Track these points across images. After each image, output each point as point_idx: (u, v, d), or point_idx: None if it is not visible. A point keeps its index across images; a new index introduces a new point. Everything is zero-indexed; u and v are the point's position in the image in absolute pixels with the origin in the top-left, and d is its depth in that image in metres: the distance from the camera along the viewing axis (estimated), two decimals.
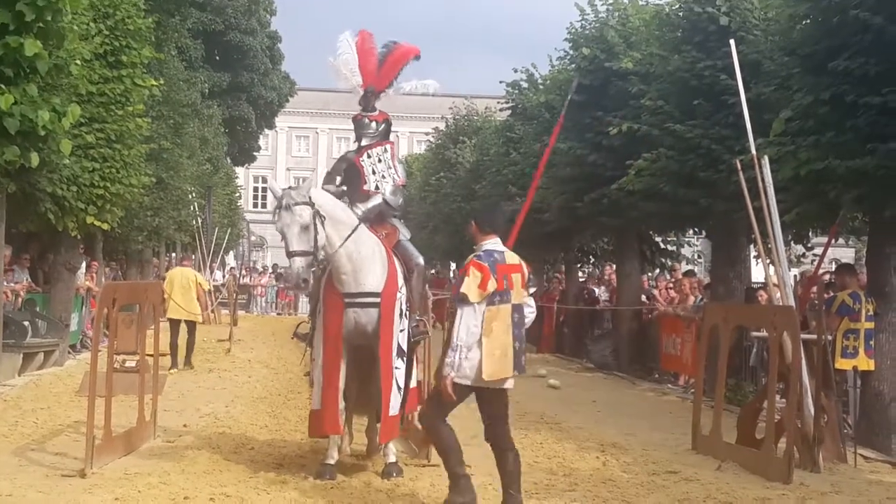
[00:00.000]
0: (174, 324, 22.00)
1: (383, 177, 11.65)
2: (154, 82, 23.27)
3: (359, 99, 12.15)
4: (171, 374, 19.43)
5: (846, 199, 14.21)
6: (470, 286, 8.76)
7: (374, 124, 11.94)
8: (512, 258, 9.15)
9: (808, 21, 15.24)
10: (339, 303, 10.69)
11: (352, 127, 11.99)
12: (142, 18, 22.18)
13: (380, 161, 11.70)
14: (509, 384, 9.04)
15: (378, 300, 10.68)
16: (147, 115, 23.47)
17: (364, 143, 11.85)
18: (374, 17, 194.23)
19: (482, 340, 8.77)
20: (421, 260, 11.68)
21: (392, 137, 11.72)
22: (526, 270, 9.23)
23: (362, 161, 11.69)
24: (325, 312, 10.83)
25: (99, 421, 10.71)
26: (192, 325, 22.50)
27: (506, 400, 9.18)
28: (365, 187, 11.55)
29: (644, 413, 17.25)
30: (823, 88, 14.16)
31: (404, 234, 11.83)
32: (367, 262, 10.74)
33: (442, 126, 49.04)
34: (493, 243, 9.11)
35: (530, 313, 9.38)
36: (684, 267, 28.40)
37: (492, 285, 8.79)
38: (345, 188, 11.66)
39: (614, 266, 28.76)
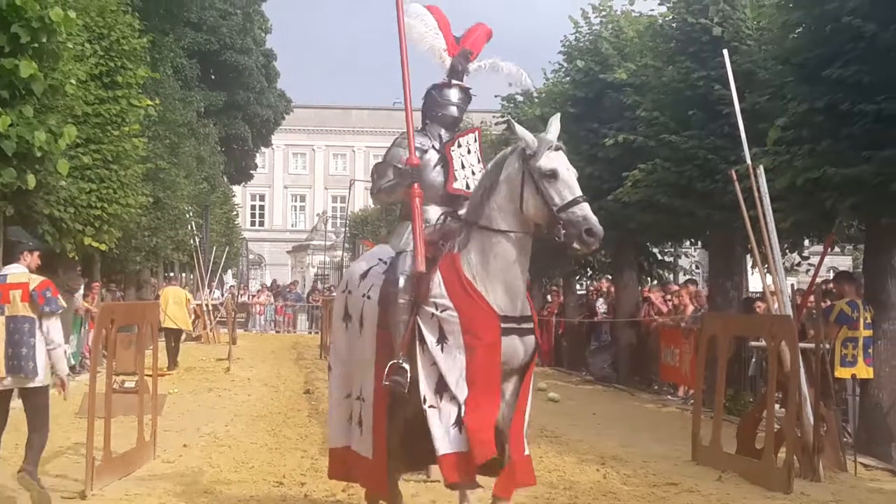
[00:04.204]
0: (168, 333, 25.11)
1: (473, 172, 9.20)
2: (150, 102, 23.36)
3: (447, 71, 9.61)
4: (169, 373, 22.51)
5: (842, 207, 14.21)
6: None
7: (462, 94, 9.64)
8: (17, 279, 10.25)
9: (801, 29, 15.27)
10: (496, 326, 8.20)
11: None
12: (136, 38, 22.24)
13: (469, 152, 9.35)
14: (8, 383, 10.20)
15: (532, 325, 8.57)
16: (143, 135, 23.56)
17: (450, 111, 9.52)
18: (372, 30, 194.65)
19: None
20: None
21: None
22: (32, 288, 10.19)
23: (452, 151, 9.28)
24: (476, 337, 8.17)
25: (99, 442, 10.72)
26: (178, 334, 26.87)
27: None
28: (455, 185, 9.16)
29: (644, 425, 17.24)
30: (818, 97, 14.19)
31: None
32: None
33: None
34: (7, 268, 10.56)
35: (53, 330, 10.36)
36: (681, 278, 28.40)
37: None
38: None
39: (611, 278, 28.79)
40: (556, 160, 8.19)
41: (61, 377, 10.49)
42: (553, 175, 8.10)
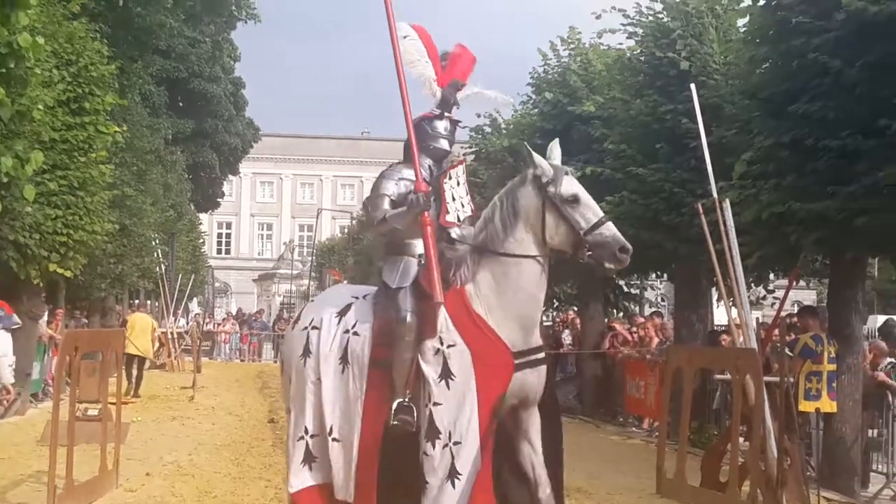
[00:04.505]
0: (130, 359, 24.99)
1: (463, 205, 8.90)
2: (117, 129, 23.23)
3: (437, 101, 9.21)
4: (133, 401, 23.03)
5: (807, 242, 14.29)
6: None
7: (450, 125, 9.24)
8: None
9: (768, 65, 15.39)
10: (509, 363, 8.10)
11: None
12: (105, 65, 22.16)
13: (458, 184, 8.91)
14: None
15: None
16: (110, 162, 23.43)
17: (441, 144, 9.10)
18: (340, 62, 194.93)
19: None
20: None
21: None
22: None
23: (445, 183, 8.84)
24: (491, 374, 8.03)
25: (61, 470, 10.64)
26: (142, 361, 27.04)
27: None
28: (448, 218, 8.71)
29: (609, 457, 17.24)
30: (783, 132, 14.28)
31: None
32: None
33: None
34: None
35: None
36: (647, 310, 28.50)
37: None
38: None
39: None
40: (574, 185, 8.29)
41: (4, 384, 10.56)
42: (576, 200, 8.18)
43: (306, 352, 8.69)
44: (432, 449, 7.89)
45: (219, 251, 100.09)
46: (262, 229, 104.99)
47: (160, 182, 39.95)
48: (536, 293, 8.24)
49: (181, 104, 51.66)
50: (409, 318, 8.21)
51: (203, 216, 73.57)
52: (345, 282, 53.77)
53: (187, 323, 47.61)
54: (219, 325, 55.95)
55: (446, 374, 8.00)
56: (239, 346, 51.03)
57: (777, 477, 12.13)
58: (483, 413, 7.89)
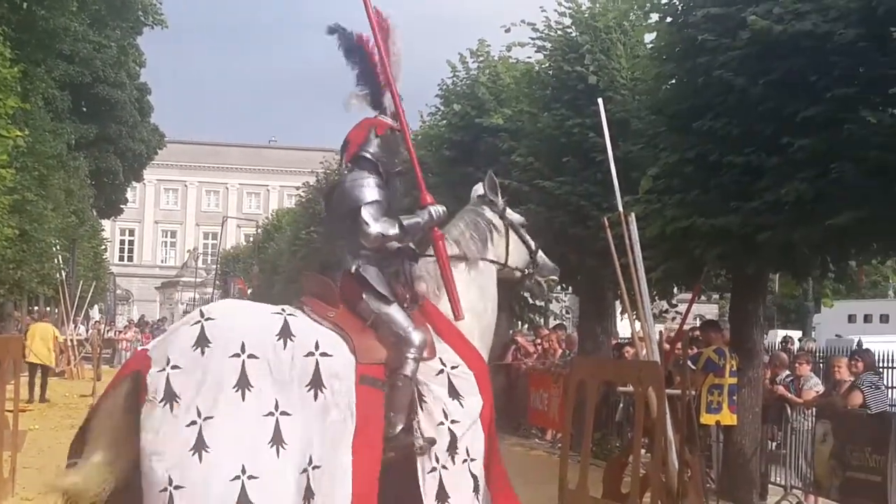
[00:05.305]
0: (33, 368, 25.60)
1: None
2: (19, 133, 22.88)
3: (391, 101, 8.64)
4: (30, 408, 22.67)
5: (710, 257, 14.42)
6: None
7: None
8: None
9: (674, 81, 15.52)
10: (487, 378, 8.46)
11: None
12: (7, 68, 21.80)
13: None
14: None
15: None
16: (11, 167, 23.07)
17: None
18: (247, 70, 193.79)
19: None
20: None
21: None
22: None
23: None
24: (487, 392, 8.25)
25: None
26: (46, 369, 27.44)
27: None
28: None
29: (511, 468, 17.04)
30: (688, 147, 14.39)
31: None
32: None
33: (312, 180, 48.91)
34: None
35: None
36: (552, 322, 28.61)
37: None
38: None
39: None
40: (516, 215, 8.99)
41: None
42: (523, 226, 9.03)
43: (244, 383, 7.19)
44: (452, 465, 7.87)
45: (121, 258, 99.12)
46: (166, 236, 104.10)
47: (62, 187, 39.39)
48: (495, 309, 8.63)
49: (85, 109, 51.06)
50: (417, 337, 7.81)
51: (105, 222, 72.85)
52: (249, 290, 53.34)
53: (87, 330, 46.99)
54: (120, 332, 55.28)
55: (455, 394, 7.93)
56: None
57: (678, 489, 12.22)
58: (490, 426, 8.22)
